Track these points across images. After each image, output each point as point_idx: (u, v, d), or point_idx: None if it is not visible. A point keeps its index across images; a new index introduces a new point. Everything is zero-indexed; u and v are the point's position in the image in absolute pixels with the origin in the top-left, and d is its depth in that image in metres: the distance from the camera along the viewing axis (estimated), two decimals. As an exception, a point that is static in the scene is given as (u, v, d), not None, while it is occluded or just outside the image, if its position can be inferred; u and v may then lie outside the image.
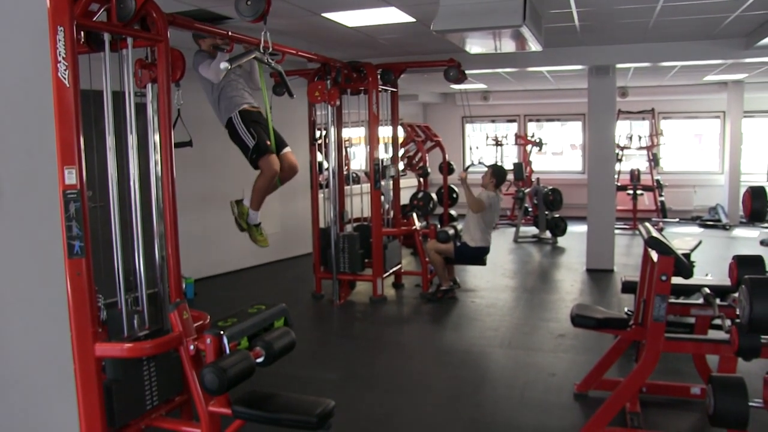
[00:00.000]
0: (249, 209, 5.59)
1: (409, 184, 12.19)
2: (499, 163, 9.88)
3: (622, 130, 13.34)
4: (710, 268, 6.78)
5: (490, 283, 8.49)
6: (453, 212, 11.78)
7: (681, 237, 8.39)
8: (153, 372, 3.54)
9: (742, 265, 4.10)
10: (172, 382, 3.68)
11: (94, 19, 3.35)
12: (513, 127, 15.54)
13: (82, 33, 3.32)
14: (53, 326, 2.85)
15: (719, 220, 12.91)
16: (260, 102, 5.45)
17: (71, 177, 2.91)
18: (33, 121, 2.72)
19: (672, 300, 4.31)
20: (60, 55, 2.84)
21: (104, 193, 3.47)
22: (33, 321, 2.73)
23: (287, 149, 5.63)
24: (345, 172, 8.16)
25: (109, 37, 3.35)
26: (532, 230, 12.08)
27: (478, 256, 7.54)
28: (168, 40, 3.60)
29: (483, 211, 7.30)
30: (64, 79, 2.86)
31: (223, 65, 4.55)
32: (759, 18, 6.60)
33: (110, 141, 3.40)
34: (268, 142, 5.35)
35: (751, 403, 3.42)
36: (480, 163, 8.08)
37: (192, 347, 3.39)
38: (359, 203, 8.36)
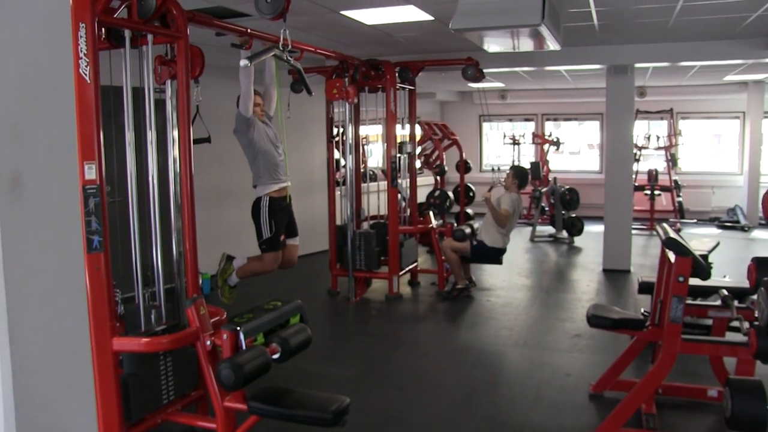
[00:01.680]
0: (234, 272, 5.78)
1: (425, 182, 12.18)
2: (520, 164, 9.86)
3: (640, 129, 13.26)
4: (728, 270, 6.74)
5: (506, 282, 8.47)
6: (469, 211, 11.75)
7: (699, 238, 8.35)
8: (169, 367, 3.57)
9: (761, 267, 4.07)
10: (189, 377, 3.71)
11: (115, 15, 3.38)
12: (530, 126, 15.49)
13: (103, 29, 3.36)
14: (72, 320, 2.87)
15: (738, 222, 12.80)
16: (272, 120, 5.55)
17: (91, 172, 2.94)
18: (54, 117, 2.74)
19: (689, 301, 4.29)
20: (81, 51, 2.87)
21: (123, 188, 3.51)
22: (52, 315, 2.75)
23: (295, 241, 5.96)
24: (362, 170, 8.18)
25: (130, 33, 3.38)
26: (549, 230, 12.04)
27: (494, 255, 7.53)
28: (188, 36, 3.63)
29: (507, 219, 7.29)
30: (85, 75, 2.89)
31: (243, 62, 4.58)
32: (781, 18, 6.55)
33: (129, 136, 3.43)
34: (282, 237, 5.71)
35: (769, 407, 3.40)
36: (501, 184, 8.04)
37: (208, 342, 3.42)
38: (376, 201, 8.36)
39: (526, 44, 6.45)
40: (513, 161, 13.59)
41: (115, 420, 3.14)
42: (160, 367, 3.52)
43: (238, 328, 3.33)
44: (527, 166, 12.83)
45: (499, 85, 13.28)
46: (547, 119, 15.51)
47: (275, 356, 3.35)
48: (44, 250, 2.71)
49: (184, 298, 3.69)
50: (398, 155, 7.62)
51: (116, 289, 3.43)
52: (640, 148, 12.81)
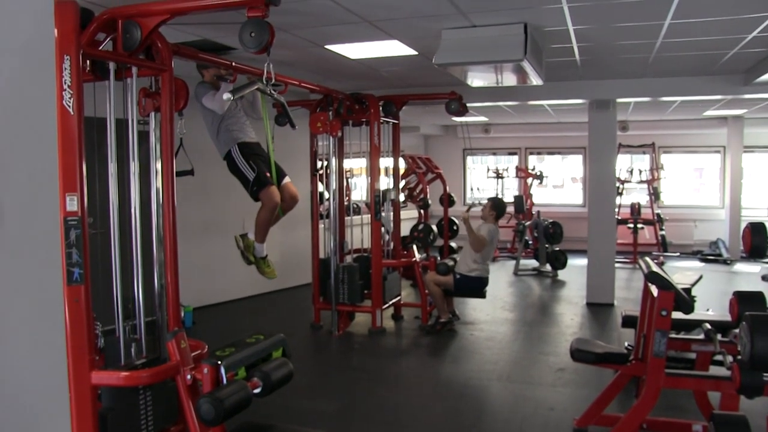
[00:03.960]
0: (254, 242, 5.61)
1: (409, 216, 12.20)
2: (498, 196, 9.90)
3: (623, 163, 13.37)
4: (711, 303, 6.76)
5: (490, 315, 8.45)
6: (453, 244, 11.76)
7: (682, 271, 8.38)
8: (149, 401, 3.51)
9: (743, 301, 4.09)
10: (168, 412, 3.65)
11: (100, 48, 3.38)
12: (514, 160, 15.60)
13: (88, 61, 3.36)
14: (50, 353, 2.83)
15: (720, 255, 12.89)
16: (261, 133, 5.49)
17: (73, 204, 2.92)
18: (35, 148, 2.73)
19: (672, 335, 4.29)
20: (65, 83, 2.87)
21: (105, 220, 3.48)
22: (29, 347, 2.71)
23: (287, 179, 5.67)
24: (345, 203, 8.18)
25: (115, 66, 3.38)
26: (533, 263, 12.05)
27: (477, 288, 7.52)
28: (172, 69, 3.64)
29: (484, 248, 7.32)
30: (69, 107, 2.89)
31: (226, 96, 4.59)
32: (757, 55, 6.66)
33: (112, 168, 3.41)
34: (268, 174, 5.40)
35: (753, 442, 3.39)
36: (480, 204, 8.09)
37: (189, 377, 3.37)
38: (359, 234, 8.35)
39: (509, 79, 6.53)
40: (495, 193, 13.65)
41: (93, 456, 3.08)
42: (140, 402, 3.47)
43: (219, 362, 3.29)
44: (511, 199, 12.92)
45: (483, 119, 13.38)
46: (531, 153, 15.62)
47: (256, 391, 3.31)
48: (23, 281, 2.68)
49: (165, 332, 3.65)
50: (381, 200, 7.62)
51: (97, 321, 3.39)
52: (622, 182, 12.91)
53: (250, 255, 5.65)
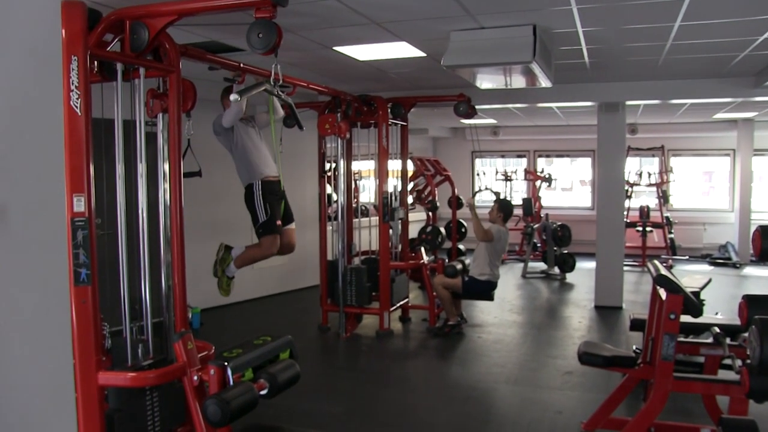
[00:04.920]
0: (232, 261, 5.71)
1: (417, 218, 12.18)
2: (506, 197, 9.89)
3: (632, 166, 13.33)
4: (720, 307, 6.72)
5: (498, 318, 8.43)
6: (461, 246, 11.74)
7: (690, 275, 8.34)
8: (156, 402, 3.51)
9: (752, 304, 4.05)
10: (175, 413, 3.65)
11: (108, 49, 3.39)
12: (522, 163, 15.57)
13: (96, 62, 3.37)
14: (57, 353, 2.83)
15: (729, 258, 12.82)
16: (269, 137, 5.52)
17: (80, 205, 2.93)
18: (43, 149, 2.74)
19: (681, 339, 4.26)
20: (73, 84, 2.88)
21: (112, 221, 3.49)
22: (36, 348, 2.71)
23: (292, 225, 5.90)
24: (354, 205, 8.18)
25: (122, 67, 3.39)
26: (541, 266, 12.02)
27: (485, 290, 7.51)
28: (180, 70, 3.64)
29: (490, 240, 7.30)
30: (76, 107, 2.89)
31: (234, 97, 4.59)
32: (768, 57, 6.63)
33: (120, 169, 3.42)
34: (279, 222, 5.61)
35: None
36: (487, 188, 8.09)
37: (196, 378, 3.37)
38: (367, 236, 8.35)
39: (518, 81, 6.51)
40: (500, 194, 13.62)
41: (99, 456, 3.08)
42: (147, 403, 3.47)
43: (226, 364, 3.29)
44: (519, 202, 12.90)
45: (491, 121, 13.35)
46: (539, 156, 15.59)
47: (263, 392, 3.31)
48: (30, 281, 2.68)
49: (172, 333, 3.65)
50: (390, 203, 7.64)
51: (104, 322, 3.40)
52: (631, 185, 12.87)
53: (220, 269, 5.78)
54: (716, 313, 5.98)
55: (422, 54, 6.34)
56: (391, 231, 7.83)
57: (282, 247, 5.77)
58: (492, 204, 7.76)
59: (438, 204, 11.92)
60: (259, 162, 5.56)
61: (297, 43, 5.79)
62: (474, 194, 7.92)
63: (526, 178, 14.49)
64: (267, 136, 5.73)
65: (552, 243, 11.60)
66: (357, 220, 8.09)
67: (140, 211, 3.60)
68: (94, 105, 3.06)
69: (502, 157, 15.96)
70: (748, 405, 3.95)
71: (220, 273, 5.81)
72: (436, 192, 11.94)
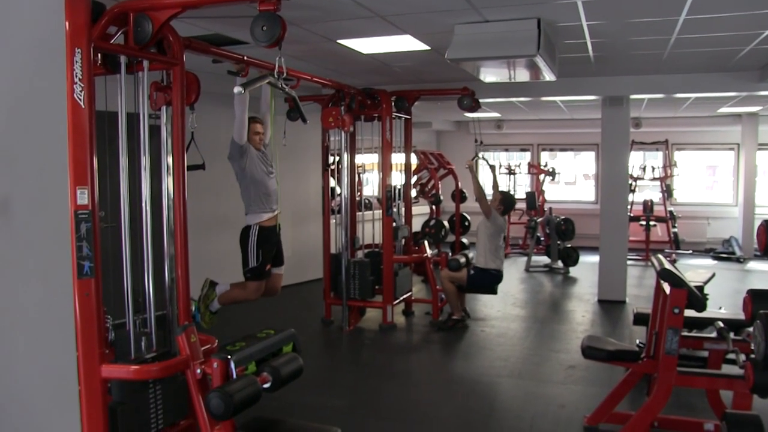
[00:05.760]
0: (216, 298, 5.75)
1: (421, 212, 12.17)
2: (508, 191, 9.91)
3: (636, 160, 13.29)
4: (724, 302, 6.72)
5: (501, 312, 8.43)
6: (465, 240, 11.75)
7: (694, 269, 8.32)
8: (159, 395, 3.51)
9: (757, 299, 4.05)
10: (178, 406, 3.66)
11: (112, 41, 3.38)
12: (526, 156, 15.54)
13: (99, 55, 3.36)
14: (60, 346, 2.84)
15: (733, 253, 12.80)
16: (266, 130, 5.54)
17: (83, 197, 2.92)
18: (46, 141, 2.73)
19: (685, 333, 4.26)
20: (76, 76, 2.87)
21: (116, 214, 3.49)
22: (39, 341, 2.72)
23: (280, 270, 5.96)
24: (357, 199, 8.17)
25: (126, 59, 3.38)
26: (544, 260, 12.02)
27: (491, 283, 7.52)
28: (184, 63, 3.63)
29: (488, 212, 7.41)
30: (80, 100, 2.88)
31: (237, 89, 4.58)
32: (774, 51, 6.61)
33: (123, 162, 3.41)
34: (268, 267, 5.70)
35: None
36: (483, 158, 8.16)
37: (199, 371, 3.37)
38: (371, 230, 8.34)
39: (522, 75, 6.50)
40: (508, 189, 13.63)
41: (103, 449, 3.08)
42: (150, 396, 3.47)
43: (229, 357, 3.29)
44: (523, 195, 12.89)
45: (495, 115, 13.34)
46: (543, 149, 15.56)
47: (266, 385, 3.31)
48: (33, 274, 2.68)
49: (175, 326, 3.65)
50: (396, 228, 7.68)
51: (107, 315, 3.40)
52: (635, 179, 12.84)
53: (203, 304, 5.84)
54: (720, 308, 5.97)
55: (426, 47, 6.32)
56: (394, 224, 7.82)
57: (266, 291, 5.85)
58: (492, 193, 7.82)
59: (441, 197, 11.92)
60: (264, 201, 5.60)
61: (301, 36, 5.78)
62: (473, 158, 7.96)
63: (529, 172, 14.49)
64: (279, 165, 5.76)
65: (555, 237, 11.59)
66: (360, 213, 8.08)
67: (144, 204, 3.59)
68: (98, 98, 3.05)
69: (506, 150, 15.93)
70: (752, 400, 3.95)
71: (203, 308, 5.86)
72: (440, 185, 11.95)
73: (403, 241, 8.15)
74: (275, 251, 5.80)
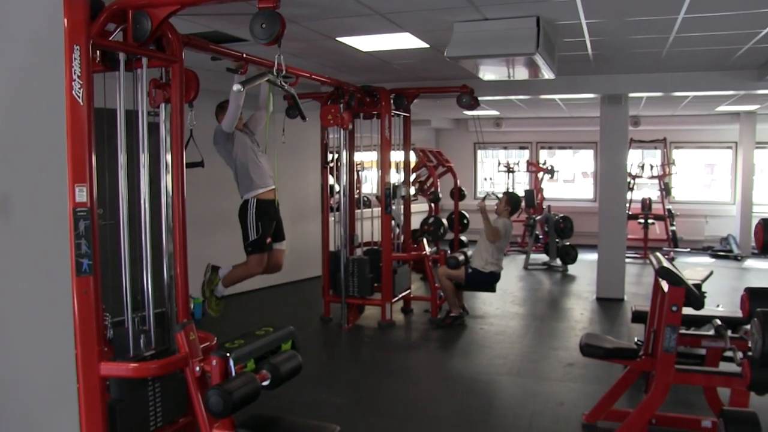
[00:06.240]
0: (220, 282, 5.72)
1: (420, 209, 12.17)
2: (513, 191, 9.91)
3: (634, 158, 13.29)
4: (721, 300, 6.73)
5: (500, 310, 8.44)
6: (463, 238, 11.75)
7: (692, 267, 8.32)
8: (158, 393, 3.52)
9: (754, 297, 4.05)
10: (177, 404, 3.66)
11: (110, 38, 3.38)
12: (525, 154, 15.54)
13: (98, 52, 3.36)
14: (58, 344, 2.84)
15: (731, 251, 12.81)
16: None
17: (82, 195, 2.92)
18: (44, 139, 2.73)
19: (683, 331, 4.26)
20: (75, 73, 2.86)
21: (114, 211, 3.49)
22: (38, 338, 2.72)
23: (282, 245, 5.90)
24: (356, 196, 8.17)
25: (125, 56, 3.38)
26: (543, 257, 12.02)
27: (489, 282, 7.52)
28: (183, 60, 3.63)
29: (499, 239, 7.33)
30: (78, 97, 2.88)
31: (236, 87, 4.58)
32: (772, 50, 6.61)
33: (122, 159, 3.41)
34: (269, 240, 5.63)
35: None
36: (493, 194, 8.14)
37: (198, 368, 3.37)
38: (370, 227, 8.34)
39: (521, 73, 6.50)
40: (507, 187, 13.63)
41: (101, 447, 3.09)
42: (149, 393, 3.48)
43: (228, 354, 3.29)
44: (521, 193, 12.89)
45: (494, 113, 13.34)
46: (542, 147, 15.56)
47: (265, 383, 3.31)
48: (31, 271, 2.68)
49: (174, 323, 3.65)
50: (391, 193, 7.64)
51: (106, 312, 3.40)
52: (633, 177, 12.84)
53: (209, 290, 5.80)
54: (718, 306, 5.98)
55: (425, 45, 6.32)
56: (393, 222, 7.82)
57: (268, 267, 5.81)
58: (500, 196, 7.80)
59: (440, 195, 11.92)
60: (256, 177, 5.55)
61: (300, 34, 5.78)
62: (484, 198, 7.95)
63: (528, 170, 14.48)
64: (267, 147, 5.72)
65: (554, 235, 11.60)
66: (359, 211, 8.08)
67: (142, 202, 3.59)
68: (97, 95, 3.05)
69: (505, 148, 15.93)
70: (749, 397, 3.96)
71: (209, 294, 5.84)
72: (439, 183, 11.94)
73: (402, 207, 8.17)
74: (275, 225, 5.76)
